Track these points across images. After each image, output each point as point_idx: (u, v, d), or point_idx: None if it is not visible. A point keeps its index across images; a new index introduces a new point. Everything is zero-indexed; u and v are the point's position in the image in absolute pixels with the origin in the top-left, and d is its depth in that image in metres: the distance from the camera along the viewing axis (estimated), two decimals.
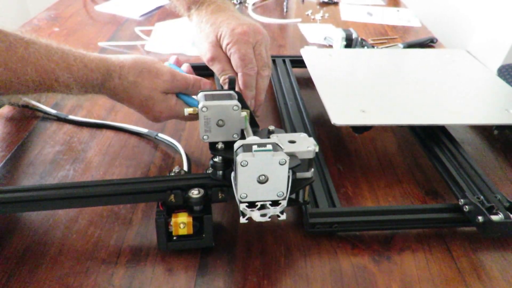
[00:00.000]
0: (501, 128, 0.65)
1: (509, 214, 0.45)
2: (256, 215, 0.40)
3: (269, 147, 0.37)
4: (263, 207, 0.39)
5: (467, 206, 0.48)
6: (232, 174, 0.42)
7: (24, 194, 0.44)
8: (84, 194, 0.44)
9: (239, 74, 0.54)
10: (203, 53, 0.58)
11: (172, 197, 0.44)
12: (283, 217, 0.40)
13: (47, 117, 0.69)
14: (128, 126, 0.66)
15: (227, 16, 0.56)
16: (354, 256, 0.46)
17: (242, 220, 0.40)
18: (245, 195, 0.38)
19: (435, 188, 0.57)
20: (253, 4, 1.27)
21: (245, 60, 0.53)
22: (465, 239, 0.49)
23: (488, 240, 0.49)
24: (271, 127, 0.46)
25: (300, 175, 0.43)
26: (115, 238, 0.47)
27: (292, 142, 0.42)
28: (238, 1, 1.29)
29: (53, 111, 0.69)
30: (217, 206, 0.51)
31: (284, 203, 0.40)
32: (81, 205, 0.48)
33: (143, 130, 0.65)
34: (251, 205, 0.39)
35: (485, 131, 0.70)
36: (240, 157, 0.37)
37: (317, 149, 0.42)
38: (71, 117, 0.68)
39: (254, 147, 0.37)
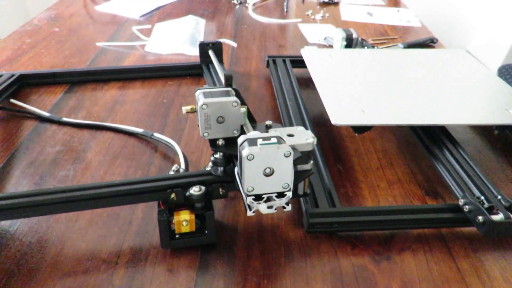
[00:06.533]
0: (501, 128, 0.65)
1: (509, 214, 0.45)
2: (263, 208, 0.40)
3: (274, 140, 0.38)
4: (269, 199, 0.40)
5: (467, 206, 0.48)
6: (236, 169, 0.42)
7: (21, 200, 0.42)
8: (84, 197, 0.43)
9: None
10: None
11: (173, 195, 0.44)
12: (288, 208, 0.41)
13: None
14: (122, 127, 0.66)
15: None
16: (354, 256, 0.46)
17: (249, 213, 0.40)
18: (252, 188, 0.39)
19: (435, 188, 0.57)
20: (253, 4, 1.27)
21: None
22: (465, 239, 0.49)
23: (488, 240, 0.49)
24: (268, 122, 0.46)
25: (300, 167, 0.43)
26: (115, 238, 0.47)
27: (290, 135, 0.43)
28: (239, 1, 1.29)
29: (46, 114, 0.69)
30: (216, 208, 0.51)
31: (289, 194, 0.40)
32: (80, 208, 0.47)
33: (139, 130, 0.65)
34: (258, 198, 0.40)
35: (485, 131, 0.70)
36: (246, 151, 0.37)
37: (315, 141, 0.42)
38: (65, 119, 0.68)
39: (259, 141, 0.38)
